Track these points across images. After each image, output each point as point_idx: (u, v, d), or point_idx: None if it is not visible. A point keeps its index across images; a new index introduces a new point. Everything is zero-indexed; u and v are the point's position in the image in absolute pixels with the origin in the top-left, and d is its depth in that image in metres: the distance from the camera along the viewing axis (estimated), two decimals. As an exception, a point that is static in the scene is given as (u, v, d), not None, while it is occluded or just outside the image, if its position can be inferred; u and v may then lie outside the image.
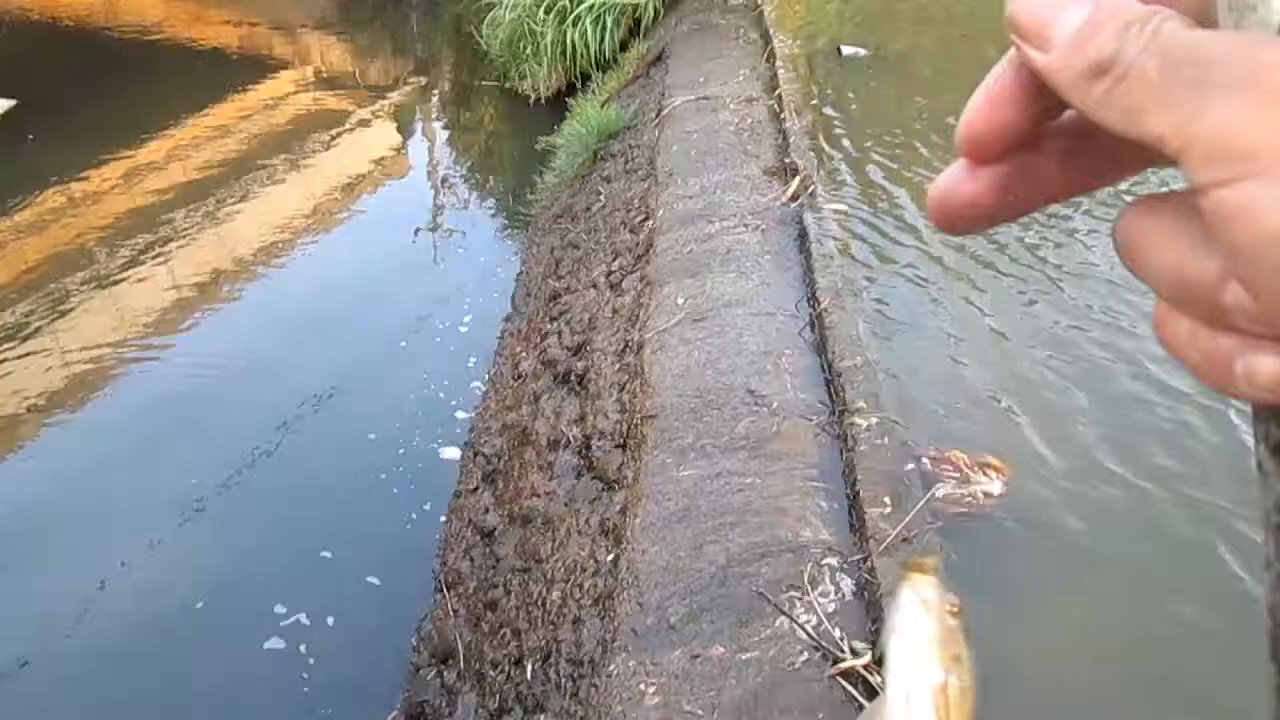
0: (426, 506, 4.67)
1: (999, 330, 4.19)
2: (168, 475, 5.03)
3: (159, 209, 7.88)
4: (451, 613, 3.62)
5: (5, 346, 6.24)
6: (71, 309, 6.64)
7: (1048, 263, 4.76)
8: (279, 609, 4.17)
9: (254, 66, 11.29)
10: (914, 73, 7.08)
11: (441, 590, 3.82)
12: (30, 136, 8.99)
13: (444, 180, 8.88)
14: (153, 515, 4.77)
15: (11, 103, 9.33)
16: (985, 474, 3.28)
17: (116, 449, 5.32)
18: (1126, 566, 3.02)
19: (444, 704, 3.35)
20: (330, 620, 4.12)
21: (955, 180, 0.44)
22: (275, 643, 4.03)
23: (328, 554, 4.50)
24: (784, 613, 2.61)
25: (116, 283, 6.95)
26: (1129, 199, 0.40)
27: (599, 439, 3.58)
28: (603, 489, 3.36)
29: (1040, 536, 3.13)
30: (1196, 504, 3.25)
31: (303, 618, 4.14)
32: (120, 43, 12.36)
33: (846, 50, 7.34)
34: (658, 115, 6.25)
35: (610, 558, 2.99)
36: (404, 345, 6.02)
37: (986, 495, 3.23)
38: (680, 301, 4.10)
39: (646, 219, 5.02)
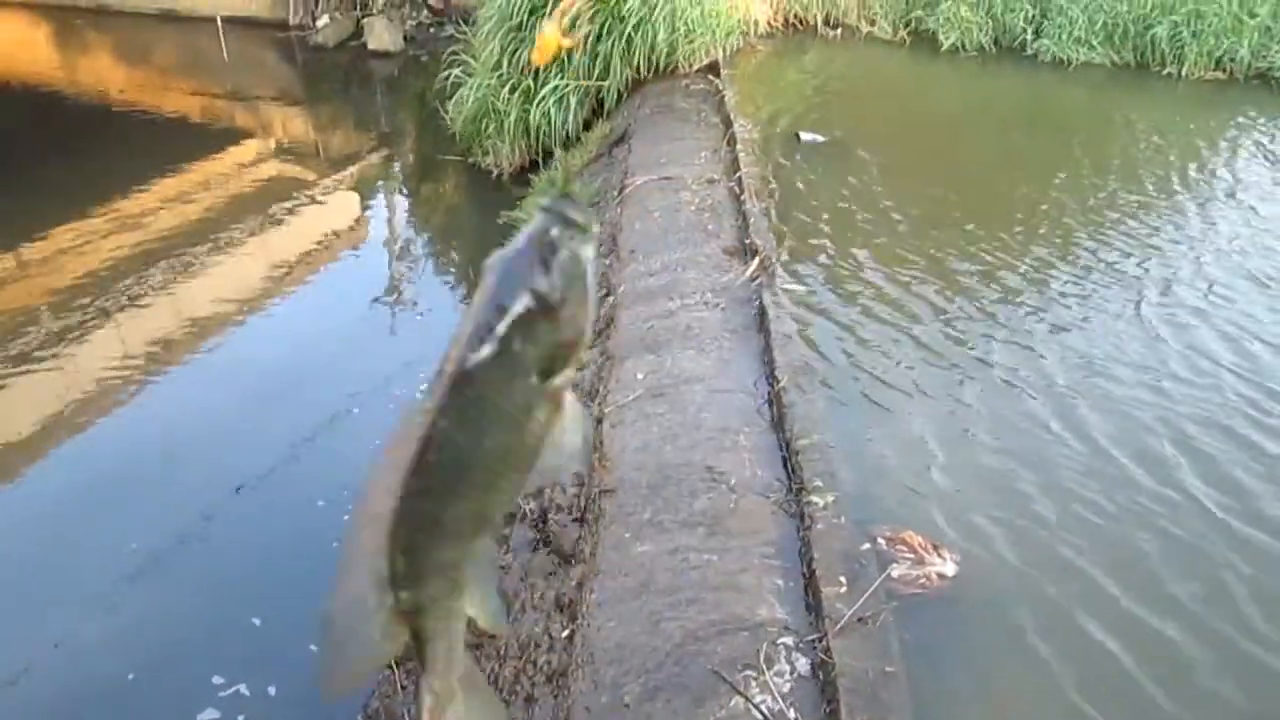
0: (377, 580, 4.58)
1: (956, 412, 4.26)
2: (106, 542, 4.90)
3: (112, 275, 7.80)
4: (400, 689, 3.54)
5: (-56, 409, 6.10)
6: (16, 373, 6.51)
7: (1006, 344, 4.86)
8: (217, 679, 4.05)
9: (215, 136, 11.30)
10: (871, 160, 7.28)
11: (390, 666, 3.74)
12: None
13: (404, 251, 8.90)
14: (88, 583, 4.64)
15: (-34, 165, 9.24)
16: (939, 555, 3.31)
17: (56, 516, 5.18)
18: (1076, 653, 3.04)
19: (390, 785, 3.25)
20: (272, 690, 4.00)
21: None
22: (210, 714, 3.91)
23: (271, 624, 4.39)
24: (740, 693, 2.59)
25: (64, 348, 6.84)
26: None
27: (556, 513, 3.57)
28: (559, 563, 3.33)
29: (991, 619, 3.15)
30: (1150, 589, 3.29)
31: (243, 688, 4.02)
32: (80, 108, 12.34)
33: (805, 136, 7.54)
34: (620, 193, 6.35)
35: (565, 634, 2.96)
36: (357, 413, 5.97)
37: (940, 576, 3.26)
38: (640, 377, 4.13)
39: (608, 295, 5.07)
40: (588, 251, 0.95)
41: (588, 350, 0.94)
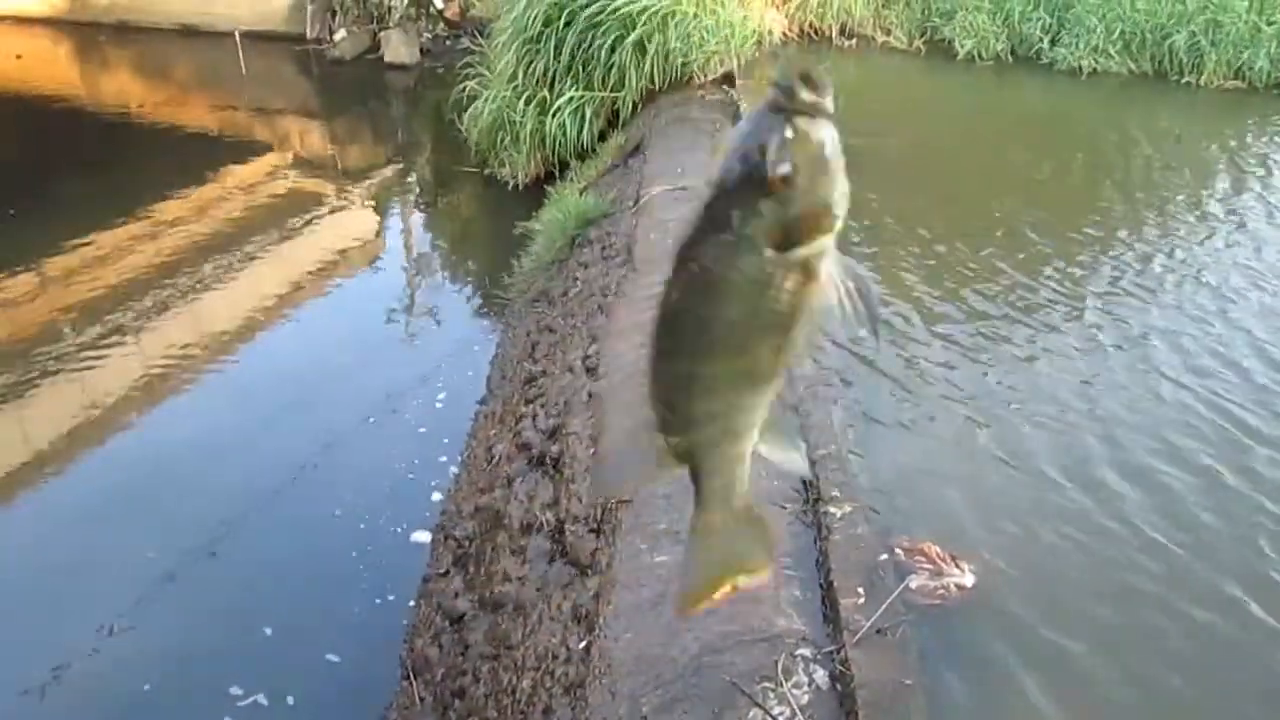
0: (394, 590, 4.60)
1: (975, 423, 4.23)
2: (125, 554, 4.93)
3: (132, 288, 7.86)
4: (418, 700, 3.54)
5: (-34, 422, 6.15)
6: (37, 386, 6.57)
7: (1024, 353, 4.84)
8: (235, 690, 4.06)
9: (234, 149, 11.39)
10: (887, 169, 7.27)
11: (408, 677, 3.74)
12: (11, 211, 8.98)
13: (420, 262, 8.94)
14: (107, 594, 4.67)
15: (-12, 180, 9.33)
16: (958, 566, 3.29)
17: (76, 528, 5.21)
18: (1095, 667, 3.01)
19: (407, 797, 3.25)
20: (290, 700, 4.01)
21: None
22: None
23: (289, 635, 4.40)
24: (758, 704, 2.57)
25: (84, 361, 6.90)
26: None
27: (573, 523, 3.56)
28: (576, 574, 3.33)
29: (1010, 632, 3.12)
30: (1171, 603, 3.26)
31: (260, 698, 4.03)
32: (101, 123, 12.45)
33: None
34: (635, 204, 6.36)
35: (582, 645, 2.95)
36: (374, 423, 5.99)
37: (959, 587, 3.23)
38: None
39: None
40: (824, 128, 0.93)
41: (840, 219, 0.93)
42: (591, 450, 3.92)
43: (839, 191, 0.95)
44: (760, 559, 1.22)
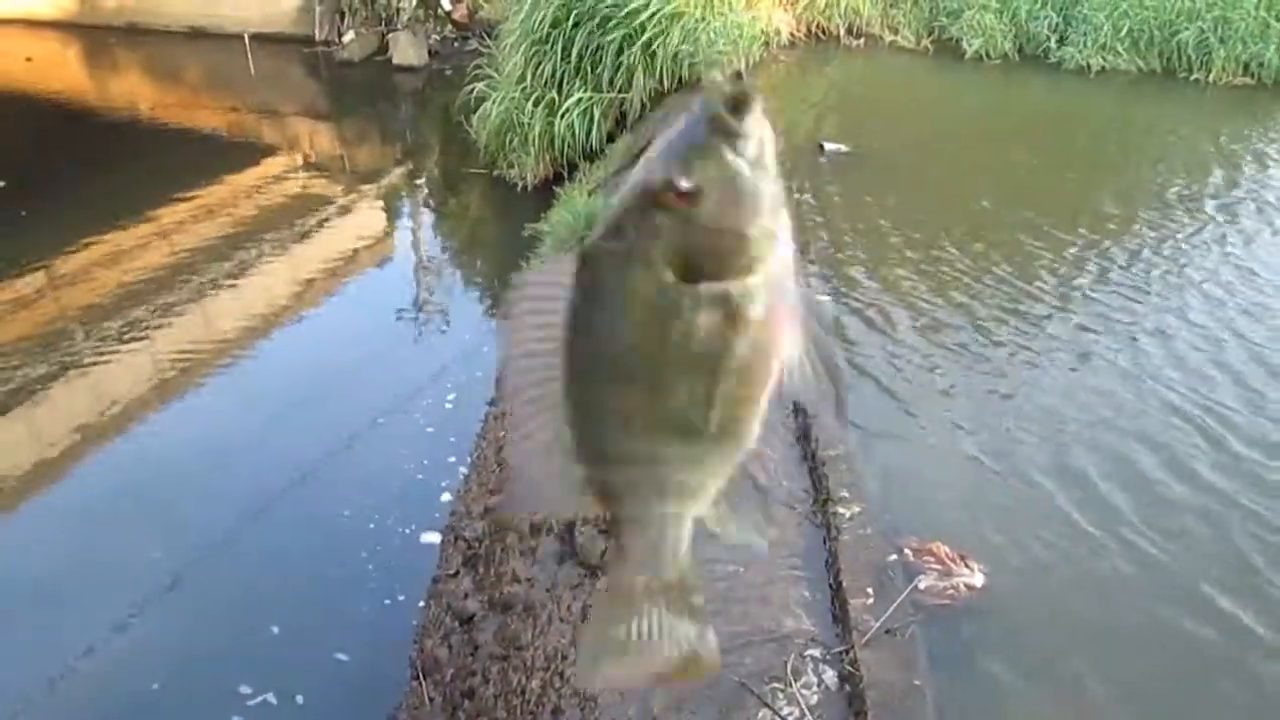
0: (403, 590, 4.61)
1: (984, 423, 4.23)
2: (134, 553, 4.95)
3: (143, 289, 7.89)
4: (427, 701, 3.55)
5: (-21, 423, 6.19)
6: (48, 386, 6.59)
7: (1029, 355, 4.83)
8: (244, 689, 4.08)
9: (243, 151, 11.42)
10: (893, 170, 7.27)
11: (418, 677, 3.76)
12: (23, 212, 9.03)
13: (429, 263, 8.95)
14: (116, 593, 4.69)
15: (-1, 184, 9.37)
16: (967, 566, 3.29)
17: (86, 526, 5.24)
18: (1104, 668, 3.01)
19: (418, 797, 3.27)
20: (299, 699, 4.03)
21: None
22: (237, 723, 3.94)
23: (298, 634, 4.42)
24: (767, 705, 2.58)
25: (95, 361, 6.92)
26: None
27: (582, 524, 3.57)
28: (585, 575, 3.34)
29: (1019, 632, 3.12)
30: (1180, 605, 3.26)
31: (270, 697, 4.05)
32: (111, 125, 12.49)
33: (829, 146, 7.54)
34: (643, 205, 6.36)
35: (592, 646, 2.95)
36: (383, 424, 6.00)
37: (968, 588, 3.24)
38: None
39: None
40: (743, 145, 0.83)
41: (768, 267, 0.82)
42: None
43: (757, 228, 0.85)
44: (695, 656, 1.00)
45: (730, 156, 0.83)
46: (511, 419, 0.96)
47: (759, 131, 0.84)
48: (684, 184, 0.82)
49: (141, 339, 7.21)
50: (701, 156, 0.83)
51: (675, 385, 0.89)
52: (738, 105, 0.83)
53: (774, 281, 0.87)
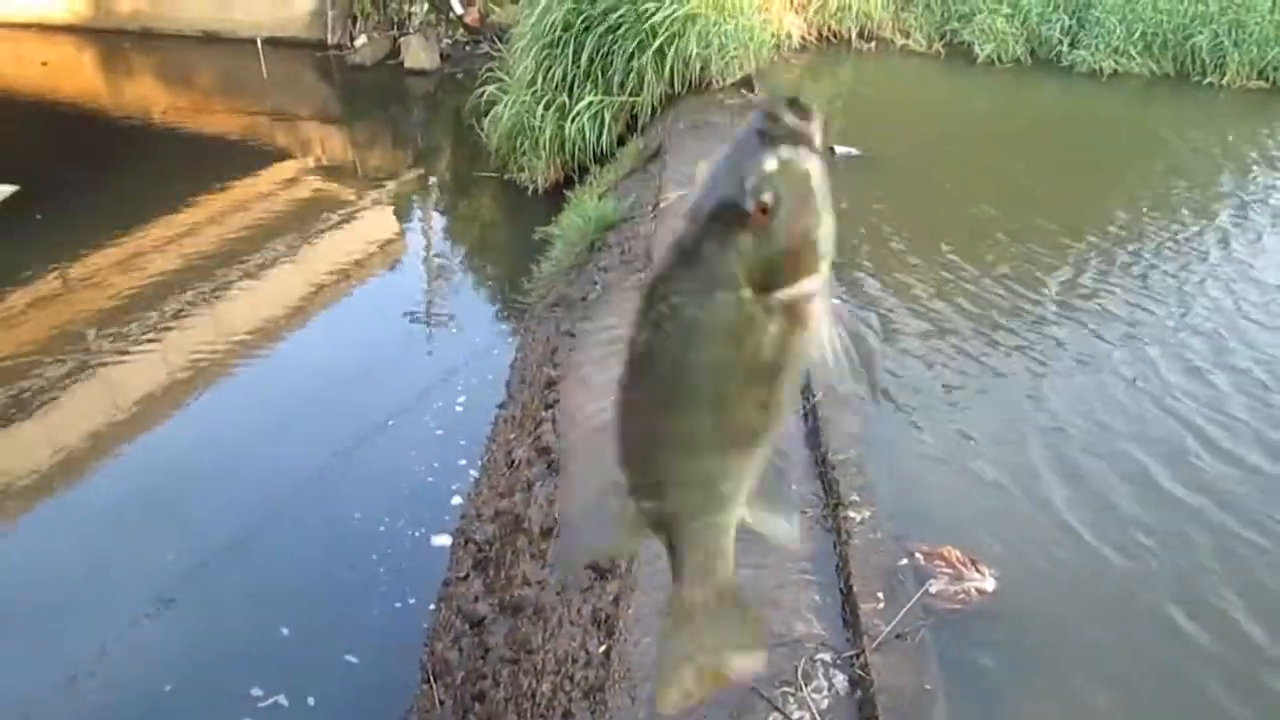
0: (414, 593, 4.62)
1: (995, 427, 4.22)
2: (147, 556, 4.97)
3: (155, 292, 7.93)
4: (438, 704, 3.56)
5: (-6, 425, 6.22)
6: (62, 390, 6.63)
7: (1040, 360, 4.82)
8: (255, 691, 4.09)
9: (255, 155, 11.46)
10: (904, 174, 7.26)
11: (428, 680, 3.76)
12: (38, 215, 9.09)
13: (440, 267, 8.97)
14: (128, 595, 4.71)
15: (13, 188, 9.42)
16: (978, 570, 3.28)
17: (99, 529, 5.26)
18: (1115, 673, 3.00)
19: (428, 799, 3.27)
20: (311, 701, 4.04)
21: None
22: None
23: (309, 636, 4.43)
24: (777, 709, 2.58)
25: (108, 364, 6.96)
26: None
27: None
28: (595, 579, 3.33)
29: (1031, 637, 3.11)
30: (1192, 607, 3.24)
31: (281, 699, 4.06)
32: (125, 129, 12.56)
33: (840, 150, 7.53)
34: (654, 208, 6.37)
35: (602, 649, 2.96)
36: (394, 426, 6.01)
37: (979, 592, 3.22)
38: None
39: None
40: (809, 158, 0.85)
41: (828, 262, 0.84)
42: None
43: (825, 228, 0.88)
44: (751, 644, 1.08)
45: (800, 166, 0.85)
46: (565, 468, 1.00)
47: (819, 136, 0.85)
48: (764, 200, 0.83)
49: (154, 342, 7.24)
50: (775, 171, 0.84)
51: (741, 398, 0.90)
52: (797, 111, 0.84)
53: (829, 276, 0.90)
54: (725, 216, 0.84)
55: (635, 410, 0.90)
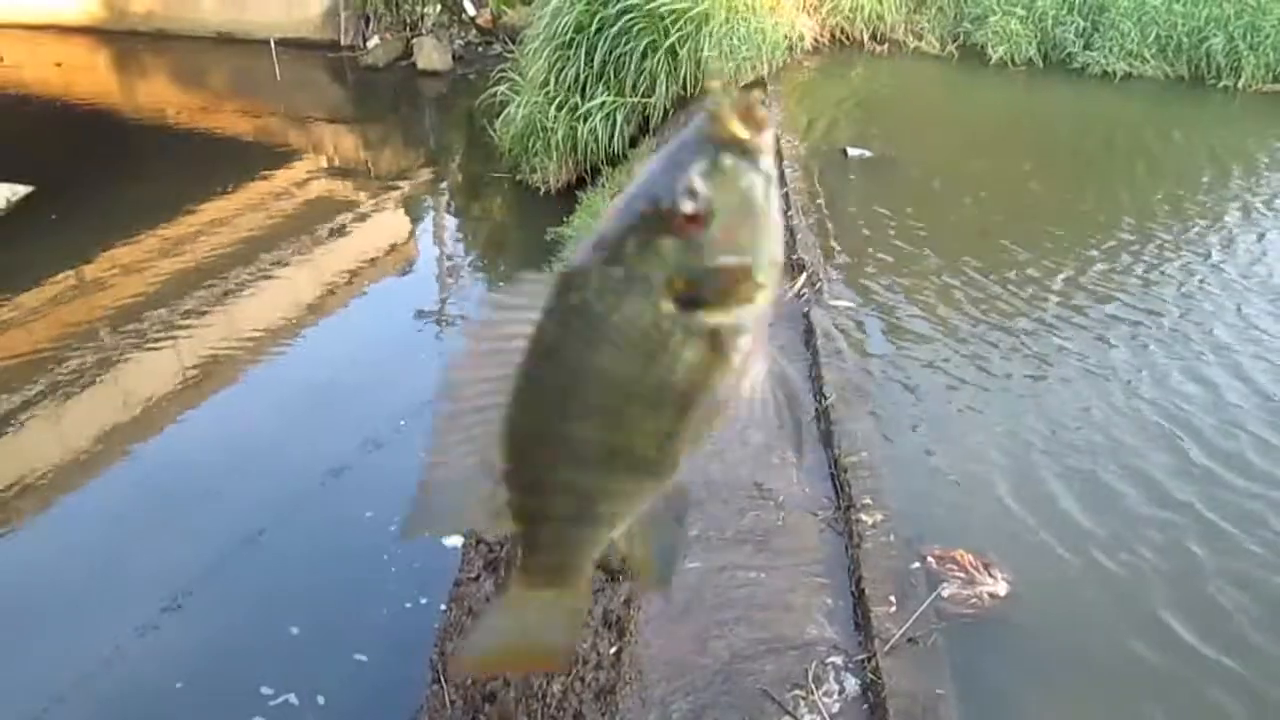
0: (425, 593, 4.62)
1: (1008, 430, 4.21)
2: (157, 555, 4.98)
3: (168, 292, 7.96)
4: (448, 704, 3.56)
5: (7, 424, 6.24)
6: (76, 389, 6.66)
7: (1052, 363, 4.80)
8: (265, 690, 4.10)
9: (268, 155, 11.50)
10: (919, 175, 7.24)
11: (439, 680, 3.76)
12: (53, 215, 9.14)
13: (452, 267, 8.99)
14: (139, 595, 4.72)
15: (29, 189, 9.48)
16: (991, 575, 3.27)
17: (111, 527, 5.28)
18: (1129, 679, 2.98)
19: (438, 800, 3.27)
20: (320, 700, 4.05)
21: None
22: (258, 723, 3.97)
23: (319, 636, 4.44)
24: (788, 712, 2.57)
25: (121, 363, 6.99)
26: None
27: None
28: (606, 580, 3.33)
29: (1043, 642, 3.10)
30: (1208, 614, 3.22)
31: (291, 698, 4.07)
32: (139, 129, 12.63)
33: (853, 152, 7.52)
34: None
35: (613, 650, 2.96)
36: (405, 426, 6.02)
37: (992, 596, 3.21)
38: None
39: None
40: (753, 172, 0.78)
41: (766, 294, 0.80)
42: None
43: (765, 254, 0.80)
44: (556, 644, 1.04)
45: (743, 176, 0.78)
46: (437, 433, 0.92)
47: (769, 150, 0.79)
48: (693, 206, 0.77)
49: (167, 341, 7.27)
50: (713, 176, 0.77)
51: (641, 419, 0.84)
52: (748, 119, 0.78)
53: (764, 313, 0.82)
54: (650, 215, 0.78)
55: (528, 402, 0.84)
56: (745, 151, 0.78)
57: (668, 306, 0.79)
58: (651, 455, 0.87)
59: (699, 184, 0.77)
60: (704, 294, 0.79)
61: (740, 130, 0.78)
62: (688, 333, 0.80)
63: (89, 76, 14.72)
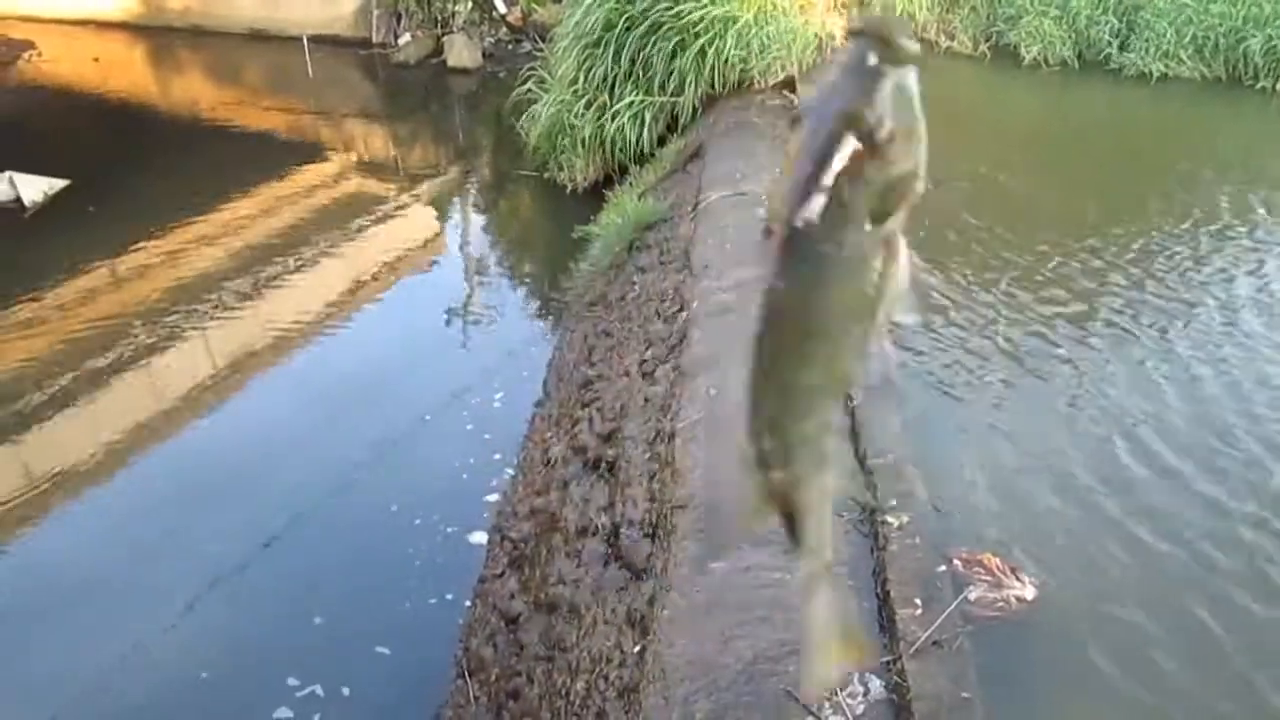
0: (449, 589, 4.64)
1: (1038, 433, 4.17)
2: (186, 547, 5.05)
3: (200, 287, 8.05)
4: (472, 700, 3.58)
5: (41, 415, 6.33)
6: (108, 382, 6.74)
7: (1084, 366, 4.75)
8: (291, 680, 4.14)
9: (299, 151, 11.60)
10: (948, 175, 7.18)
11: (463, 676, 3.78)
12: (90, 208, 9.27)
13: (479, 264, 9.02)
14: (167, 586, 4.78)
15: (64, 183, 9.61)
16: (1018, 579, 3.24)
17: (141, 519, 5.35)
18: (1158, 686, 2.95)
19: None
20: (346, 691, 4.08)
21: None
22: (284, 713, 4.00)
23: (346, 627, 4.47)
24: (812, 714, 2.56)
25: (153, 357, 7.07)
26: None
27: (628, 527, 3.57)
28: (630, 578, 3.33)
29: (1071, 647, 3.07)
30: (1240, 623, 3.18)
31: (317, 689, 4.10)
32: (174, 123, 12.77)
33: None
34: (694, 209, 6.36)
35: (637, 649, 2.96)
36: (432, 422, 6.05)
37: (1019, 600, 3.18)
38: (713, 392, 4.12)
39: (681, 310, 5.08)
40: (911, 77, 0.83)
41: (921, 186, 0.90)
42: (647, 454, 3.93)
43: (924, 152, 0.86)
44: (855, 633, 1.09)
45: (912, 89, 0.83)
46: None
47: (913, 57, 0.83)
48: (888, 130, 0.81)
49: (199, 334, 7.35)
50: (896, 96, 0.82)
51: (849, 341, 0.90)
52: (900, 30, 0.83)
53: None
54: (851, 154, 0.82)
55: (768, 369, 0.90)
56: (906, 62, 0.83)
57: (869, 227, 0.85)
58: (854, 372, 0.93)
59: (888, 107, 0.81)
60: (890, 205, 0.85)
61: (899, 41, 0.82)
62: (878, 244, 0.86)
63: (125, 71, 14.90)
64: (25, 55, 14.89)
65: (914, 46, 0.82)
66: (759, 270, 0.88)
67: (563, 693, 3.11)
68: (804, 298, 0.86)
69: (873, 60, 0.82)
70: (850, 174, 0.82)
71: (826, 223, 0.83)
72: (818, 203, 0.83)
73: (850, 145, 0.81)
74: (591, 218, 7.93)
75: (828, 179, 0.82)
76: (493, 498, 5.24)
